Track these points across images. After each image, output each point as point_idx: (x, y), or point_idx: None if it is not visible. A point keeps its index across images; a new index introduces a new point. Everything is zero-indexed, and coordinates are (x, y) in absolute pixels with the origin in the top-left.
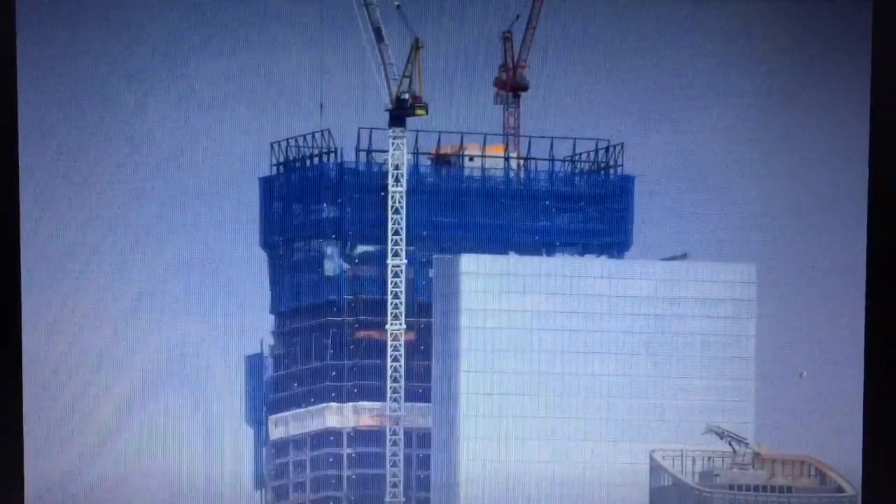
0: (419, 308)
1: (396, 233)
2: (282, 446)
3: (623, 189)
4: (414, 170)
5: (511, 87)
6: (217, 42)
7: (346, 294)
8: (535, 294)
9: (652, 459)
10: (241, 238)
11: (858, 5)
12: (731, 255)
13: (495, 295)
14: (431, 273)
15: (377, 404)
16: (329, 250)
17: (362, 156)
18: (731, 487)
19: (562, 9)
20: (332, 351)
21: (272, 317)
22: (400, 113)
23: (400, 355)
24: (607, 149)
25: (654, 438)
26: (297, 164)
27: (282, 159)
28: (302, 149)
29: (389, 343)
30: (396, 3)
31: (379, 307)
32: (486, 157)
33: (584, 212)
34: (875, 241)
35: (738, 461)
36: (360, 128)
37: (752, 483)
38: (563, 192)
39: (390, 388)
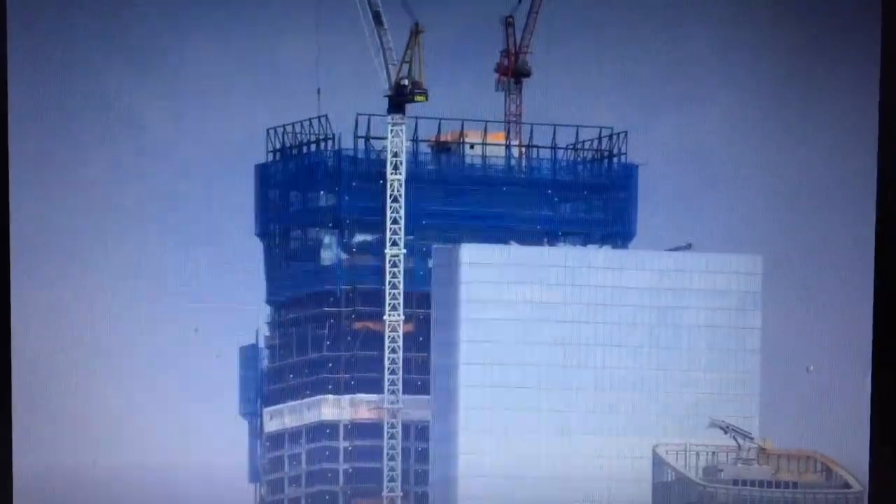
0: (418, 299)
1: (395, 221)
2: (277, 439)
3: (626, 178)
4: (413, 157)
5: (513, 73)
6: (212, 25)
7: (343, 284)
8: (536, 285)
9: (655, 454)
10: (237, 227)
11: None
12: (737, 246)
13: (496, 285)
14: (431, 263)
15: (375, 396)
16: (326, 239)
17: (360, 143)
18: (736, 483)
19: None
20: (328, 342)
21: (267, 307)
22: (399, 99)
23: (398, 347)
24: (611, 137)
25: (657, 432)
26: (294, 151)
27: (278, 146)
28: (299, 135)
29: (387, 334)
30: None
31: (377, 297)
32: (488, 145)
33: (586, 201)
34: (883, 232)
35: (743, 456)
36: (358, 114)
37: (757, 478)
38: (566, 180)
39: (388, 380)
